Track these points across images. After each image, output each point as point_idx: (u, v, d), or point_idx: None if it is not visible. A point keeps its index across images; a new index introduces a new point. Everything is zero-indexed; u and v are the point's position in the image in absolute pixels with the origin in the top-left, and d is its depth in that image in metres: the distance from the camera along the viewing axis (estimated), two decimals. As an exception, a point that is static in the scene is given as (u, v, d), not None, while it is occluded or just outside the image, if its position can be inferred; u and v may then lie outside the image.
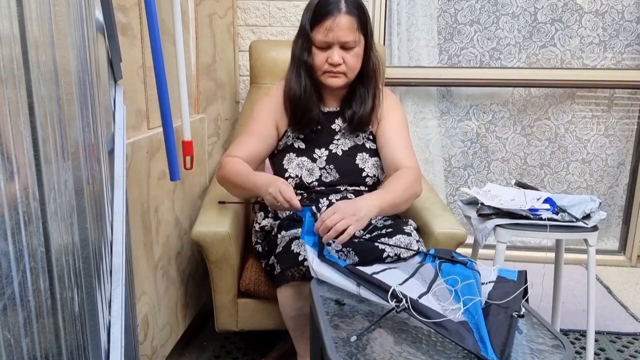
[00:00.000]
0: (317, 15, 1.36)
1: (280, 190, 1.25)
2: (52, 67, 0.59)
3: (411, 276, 1.12)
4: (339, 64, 1.38)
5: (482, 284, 1.07)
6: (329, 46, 1.37)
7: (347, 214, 1.16)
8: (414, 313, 0.92)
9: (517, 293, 1.01)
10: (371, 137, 1.52)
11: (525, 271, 1.11)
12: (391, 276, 1.11)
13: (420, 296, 1.01)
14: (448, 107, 2.51)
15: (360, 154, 1.50)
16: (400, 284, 1.06)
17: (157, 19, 1.12)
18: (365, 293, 1.04)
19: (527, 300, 1.07)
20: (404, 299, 0.94)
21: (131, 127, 1.29)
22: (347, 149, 1.50)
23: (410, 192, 1.36)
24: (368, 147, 1.51)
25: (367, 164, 1.49)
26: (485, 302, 1.00)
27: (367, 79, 1.46)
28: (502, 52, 2.41)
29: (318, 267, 1.13)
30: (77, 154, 0.67)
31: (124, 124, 0.96)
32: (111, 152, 0.93)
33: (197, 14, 1.74)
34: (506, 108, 2.48)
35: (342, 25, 1.34)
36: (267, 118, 1.50)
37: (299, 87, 1.43)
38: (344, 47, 1.37)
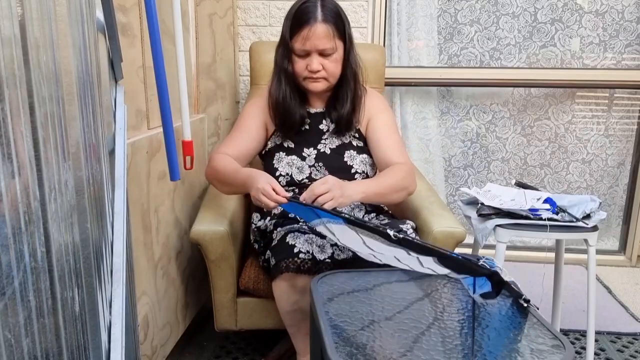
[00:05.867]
0: (295, 24, 1.41)
1: (270, 183, 1.26)
2: (52, 68, 0.59)
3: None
4: (317, 70, 1.43)
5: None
6: (308, 54, 1.42)
7: (335, 188, 1.23)
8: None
9: (509, 295, 1.02)
10: (357, 135, 1.56)
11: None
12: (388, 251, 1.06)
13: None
14: (448, 107, 2.51)
15: (348, 152, 1.53)
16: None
17: (157, 19, 1.12)
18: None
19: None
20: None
21: (131, 127, 1.29)
22: (334, 147, 1.54)
23: (400, 186, 1.40)
24: (355, 144, 1.55)
25: (355, 161, 1.52)
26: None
27: (346, 82, 1.51)
28: (502, 52, 2.41)
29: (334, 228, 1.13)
30: (77, 154, 0.67)
31: (125, 124, 0.97)
32: (112, 152, 0.93)
33: (197, 14, 1.74)
34: (506, 108, 2.48)
35: (318, 33, 1.39)
36: (257, 117, 1.54)
37: (279, 93, 1.49)
38: (322, 54, 1.42)
